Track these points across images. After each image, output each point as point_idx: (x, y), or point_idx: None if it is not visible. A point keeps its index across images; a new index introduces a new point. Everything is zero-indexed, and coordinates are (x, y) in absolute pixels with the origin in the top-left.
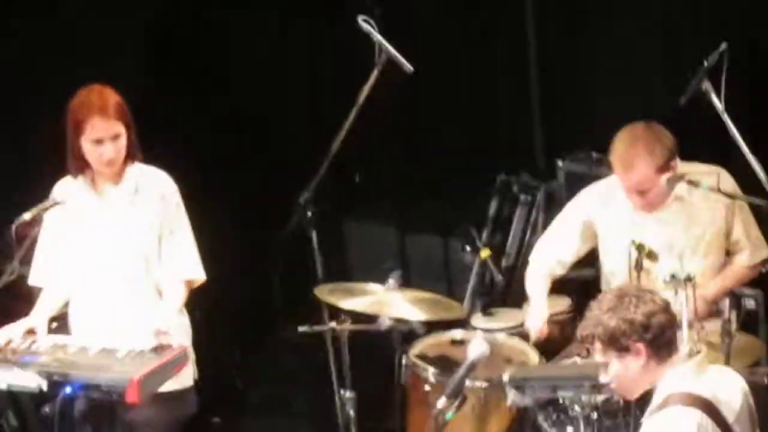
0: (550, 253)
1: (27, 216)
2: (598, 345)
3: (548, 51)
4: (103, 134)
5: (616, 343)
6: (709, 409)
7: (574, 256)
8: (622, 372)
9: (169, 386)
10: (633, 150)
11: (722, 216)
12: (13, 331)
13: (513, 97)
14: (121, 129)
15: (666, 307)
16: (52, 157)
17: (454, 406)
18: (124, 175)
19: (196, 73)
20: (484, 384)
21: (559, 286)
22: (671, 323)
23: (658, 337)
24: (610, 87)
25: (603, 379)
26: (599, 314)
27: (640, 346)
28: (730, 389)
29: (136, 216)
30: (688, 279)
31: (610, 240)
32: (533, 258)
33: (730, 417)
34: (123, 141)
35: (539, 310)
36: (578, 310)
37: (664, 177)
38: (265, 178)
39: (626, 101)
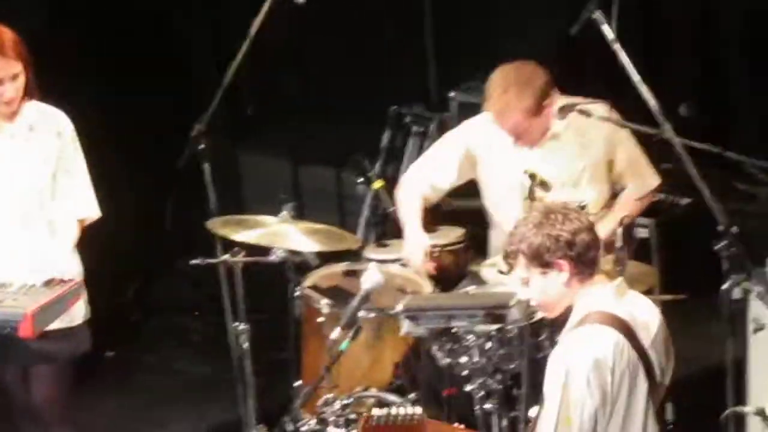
0: (425, 177)
1: None
2: (522, 260)
3: None
4: (2, 74)
5: (541, 258)
6: (627, 330)
7: (448, 183)
8: (544, 288)
9: (60, 324)
10: (504, 97)
11: (601, 149)
12: None
13: (406, 27)
14: (19, 68)
15: (590, 227)
16: None
17: (348, 337)
18: (20, 112)
19: (92, 7)
20: (378, 314)
21: (451, 216)
22: (595, 243)
23: (582, 255)
24: (504, 17)
25: (524, 294)
26: (525, 231)
27: (564, 262)
28: (648, 314)
29: (30, 152)
30: (582, 207)
31: (495, 171)
32: (406, 179)
33: (646, 341)
34: (21, 80)
35: (417, 237)
36: (470, 240)
37: (542, 114)
38: (160, 112)
39: (520, 32)
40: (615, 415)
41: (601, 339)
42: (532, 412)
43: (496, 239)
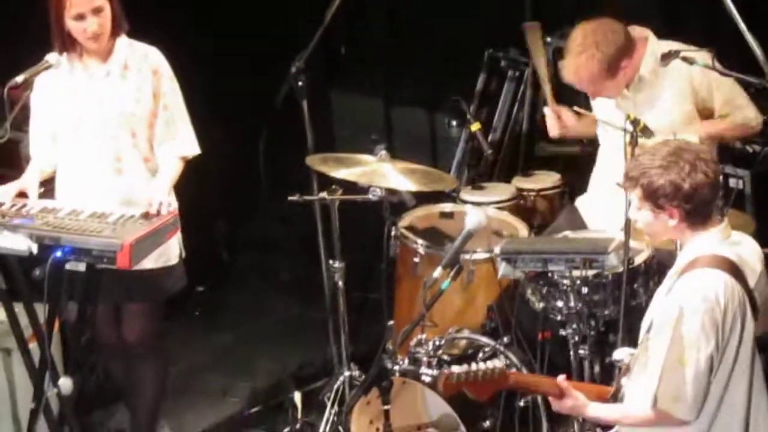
0: None
1: (19, 78)
2: (638, 192)
3: None
4: (83, 8)
5: (656, 200)
6: (735, 271)
7: None
8: (651, 223)
9: (157, 263)
10: (577, 60)
11: (699, 95)
12: (5, 191)
13: None
14: (102, 1)
15: (715, 181)
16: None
17: (450, 275)
18: (113, 50)
19: None
20: (475, 255)
21: (547, 162)
22: (714, 196)
23: (697, 208)
24: None
25: (632, 215)
26: (650, 166)
27: (677, 211)
28: (752, 254)
29: (124, 90)
30: None
31: (602, 110)
32: None
33: (751, 281)
34: (106, 13)
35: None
36: (566, 185)
37: (618, 74)
38: (254, 49)
39: None
40: (725, 358)
41: (713, 282)
42: (618, 354)
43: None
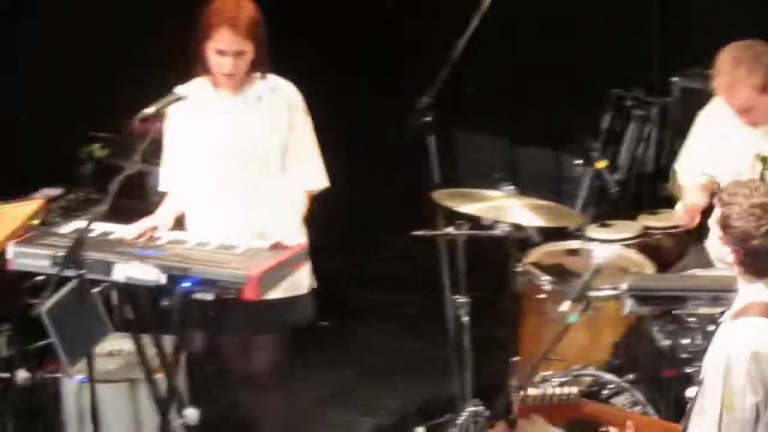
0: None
1: (150, 110)
2: (717, 214)
3: None
4: (226, 47)
5: (725, 233)
6: None
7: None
8: (717, 245)
9: (286, 292)
10: (734, 73)
11: None
12: (138, 227)
13: (630, 10)
14: (247, 46)
15: None
16: (181, 56)
17: (578, 310)
18: (249, 81)
19: None
20: (604, 292)
21: (672, 202)
22: None
23: (754, 264)
24: (729, 2)
25: (709, 237)
26: (739, 202)
27: (735, 255)
28: None
29: (257, 121)
30: None
31: (728, 151)
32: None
33: None
34: (247, 58)
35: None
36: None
37: None
38: (383, 86)
39: (745, 17)
40: None
41: (761, 332)
42: (691, 392)
43: None
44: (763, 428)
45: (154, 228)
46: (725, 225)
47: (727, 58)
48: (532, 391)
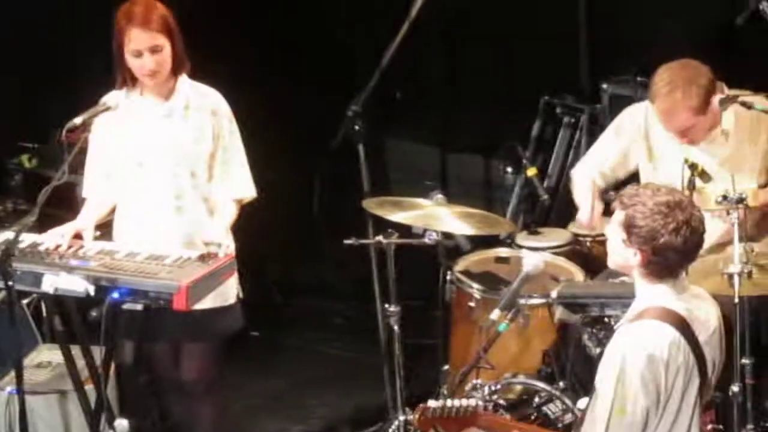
0: (591, 164)
1: (78, 120)
2: (621, 216)
3: None
4: (141, 46)
5: (630, 235)
6: (684, 326)
7: (614, 170)
8: (618, 248)
9: (214, 302)
10: (671, 97)
11: (765, 142)
12: (63, 232)
13: (559, 18)
14: (163, 41)
15: (689, 251)
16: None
17: (507, 318)
18: (175, 89)
19: None
20: (534, 300)
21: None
22: (681, 264)
23: (660, 264)
24: (658, 8)
25: (605, 230)
26: (643, 202)
27: (642, 255)
28: (707, 310)
29: (184, 130)
30: (740, 200)
31: (658, 158)
32: (575, 171)
33: (701, 337)
34: (166, 53)
35: (588, 203)
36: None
37: (708, 111)
38: (310, 92)
39: (673, 23)
40: (666, 412)
41: (657, 335)
42: (582, 403)
43: None
44: None
45: (79, 232)
46: (630, 226)
47: (662, 82)
48: (431, 403)
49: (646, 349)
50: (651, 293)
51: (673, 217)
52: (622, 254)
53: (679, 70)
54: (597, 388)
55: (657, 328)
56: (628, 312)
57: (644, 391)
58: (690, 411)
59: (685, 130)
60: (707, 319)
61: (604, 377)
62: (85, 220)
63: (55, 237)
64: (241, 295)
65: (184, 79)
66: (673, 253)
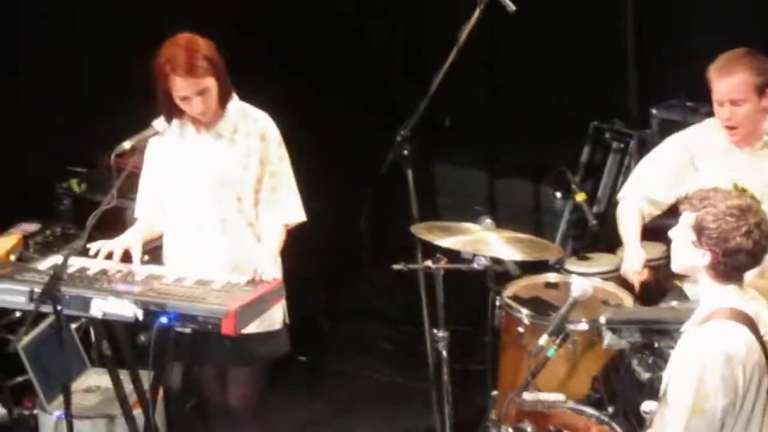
0: (640, 191)
1: (127, 145)
2: (691, 218)
3: None
4: (187, 92)
5: (701, 236)
6: (753, 327)
7: (666, 194)
8: (686, 249)
9: (260, 327)
10: (734, 61)
11: None
12: (111, 247)
13: (608, 43)
14: (208, 83)
15: (758, 254)
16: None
17: (556, 343)
18: (224, 115)
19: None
20: (582, 325)
21: (651, 233)
22: (749, 266)
23: (729, 266)
24: (707, 33)
25: (671, 233)
26: (715, 204)
27: (711, 256)
28: (766, 310)
29: (231, 154)
30: None
31: (708, 180)
32: (622, 195)
33: (766, 337)
34: (212, 93)
35: (635, 252)
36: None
37: (762, 101)
38: (360, 117)
39: (724, 49)
40: (742, 412)
41: (733, 335)
42: (647, 406)
43: None
44: None
45: (127, 249)
46: (701, 228)
47: (726, 54)
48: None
49: (724, 349)
50: (718, 295)
51: (745, 221)
52: (689, 255)
53: (748, 50)
54: (669, 392)
55: (732, 328)
56: (695, 314)
57: (724, 391)
58: (763, 411)
59: (733, 100)
60: (767, 318)
61: (680, 379)
62: (134, 237)
63: (103, 258)
64: (287, 321)
65: (234, 103)
66: (743, 255)
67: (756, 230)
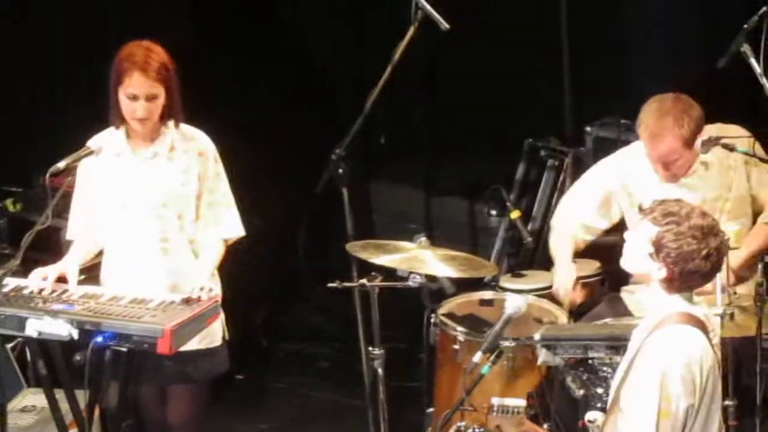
0: (572, 217)
1: (61, 164)
2: (653, 230)
3: (579, 15)
4: (138, 91)
5: (659, 252)
6: (705, 330)
7: (599, 220)
8: (642, 258)
9: (200, 344)
10: (662, 122)
11: (744, 184)
12: (46, 273)
13: (543, 61)
14: (159, 90)
15: (711, 273)
16: (90, 110)
17: (490, 360)
18: (160, 132)
19: (237, 32)
20: (516, 342)
21: (586, 251)
22: (701, 284)
23: (683, 283)
24: (641, 52)
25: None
26: (678, 223)
27: (668, 272)
28: (710, 315)
29: (170, 172)
30: None
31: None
32: (554, 222)
33: (714, 341)
34: (159, 102)
35: (566, 271)
36: (605, 273)
37: (694, 146)
38: (295, 136)
39: (658, 67)
40: (700, 413)
41: (690, 338)
42: (591, 415)
43: None
44: None
45: (63, 275)
46: (661, 245)
47: (654, 108)
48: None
49: (682, 351)
50: (669, 301)
51: (706, 244)
52: (644, 265)
53: (672, 99)
54: (627, 399)
55: (687, 331)
56: (645, 322)
57: (685, 392)
58: (719, 411)
59: (668, 162)
60: (713, 323)
61: (640, 384)
62: (70, 262)
63: (39, 280)
64: (227, 337)
65: (170, 124)
66: (698, 276)
67: (715, 253)
